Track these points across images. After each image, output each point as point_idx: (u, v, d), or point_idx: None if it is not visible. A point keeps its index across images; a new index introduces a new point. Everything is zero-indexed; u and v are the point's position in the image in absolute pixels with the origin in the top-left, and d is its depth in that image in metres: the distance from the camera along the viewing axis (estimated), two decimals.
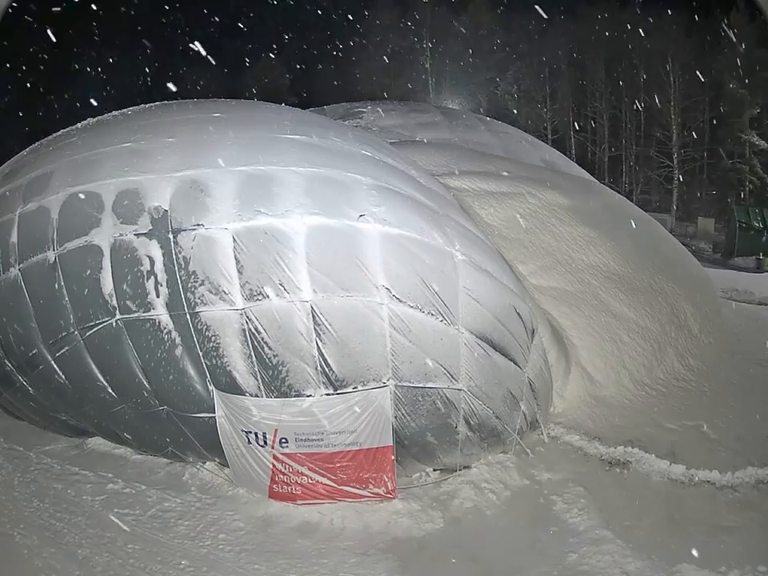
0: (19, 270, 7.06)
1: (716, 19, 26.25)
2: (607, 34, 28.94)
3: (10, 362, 7.54)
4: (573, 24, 30.43)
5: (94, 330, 6.86)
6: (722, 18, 26.35)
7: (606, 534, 6.22)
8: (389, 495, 6.86)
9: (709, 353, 9.87)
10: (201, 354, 6.66)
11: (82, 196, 6.82)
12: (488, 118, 15.07)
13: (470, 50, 31.20)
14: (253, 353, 6.53)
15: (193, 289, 6.53)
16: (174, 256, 6.55)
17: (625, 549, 5.98)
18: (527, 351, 7.37)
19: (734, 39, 26.19)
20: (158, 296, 6.62)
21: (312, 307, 6.38)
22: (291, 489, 6.90)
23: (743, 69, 25.55)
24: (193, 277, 6.53)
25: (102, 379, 7.10)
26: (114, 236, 6.67)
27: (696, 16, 25.85)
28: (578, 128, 31.61)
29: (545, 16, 28.29)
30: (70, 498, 7.12)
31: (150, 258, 6.61)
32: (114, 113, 8.28)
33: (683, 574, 5.68)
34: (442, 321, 6.61)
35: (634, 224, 10.70)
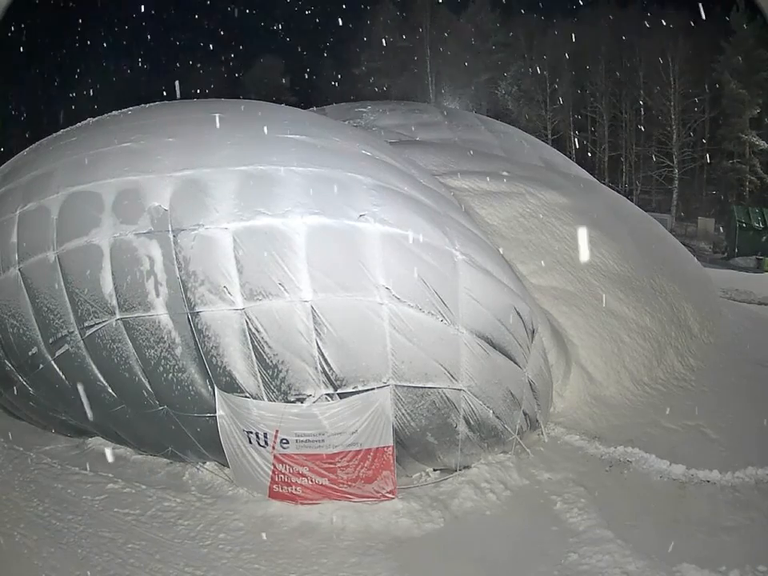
0: (19, 269, 7.06)
1: (716, 19, 26.24)
2: (607, 33, 28.97)
3: (9, 361, 7.54)
4: (573, 24, 30.42)
5: (94, 329, 6.86)
6: (721, 18, 26.36)
7: (606, 533, 6.20)
8: (389, 495, 6.85)
9: (709, 353, 9.88)
10: (201, 353, 6.66)
11: (82, 196, 6.81)
12: (488, 118, 15.09)
13: (470, 50, 31.22)
14: (253, 352, 6.52)
15: (193, 289, 6.53)
16: (174, 256, 6.55)
17: (625, 549, 5.96)
18: (527, 351, 7.36)
19: (734, 39, 26.23)
20: (157, 296, 6.62)
21: (312, 307, 6.38)
22: (291, 489, 6.89)
23: (743, 69, 25.55)
24: (193, 277, 6.53)
25: (101, 379, 7.10)
26: (113, 236, 6.67)
27: (696, 16, 25.85)
28: (578, 128, 31.60)
29: (544, 17, 28.37)
30: (70, 497, 7.10)
31: (150, 257, 6.61)
32: (114, 113, 8.29)
33: (683, 573, 5.67)
34: (442, 321, 6.60)
35: (632, 224, 10.73)
